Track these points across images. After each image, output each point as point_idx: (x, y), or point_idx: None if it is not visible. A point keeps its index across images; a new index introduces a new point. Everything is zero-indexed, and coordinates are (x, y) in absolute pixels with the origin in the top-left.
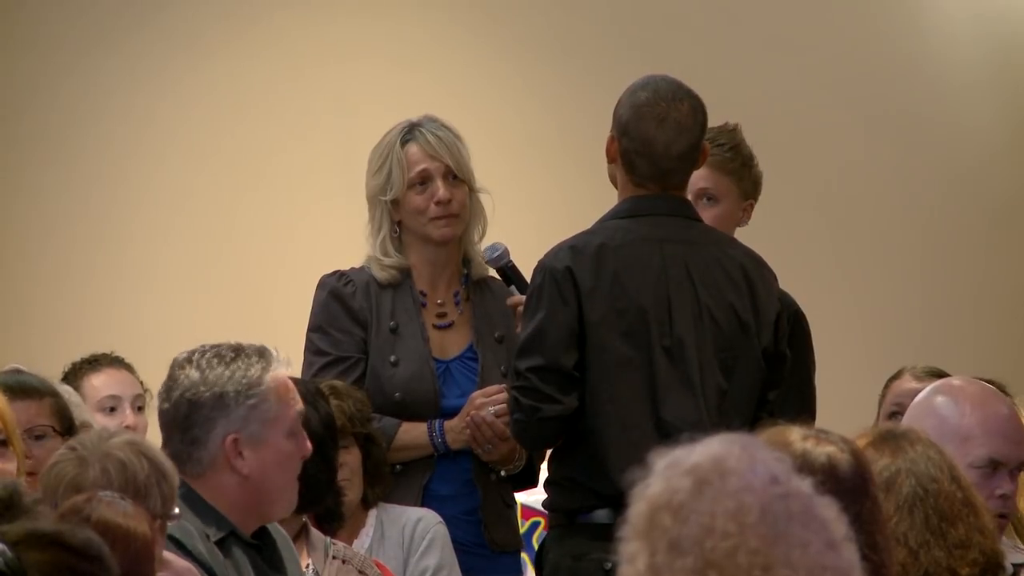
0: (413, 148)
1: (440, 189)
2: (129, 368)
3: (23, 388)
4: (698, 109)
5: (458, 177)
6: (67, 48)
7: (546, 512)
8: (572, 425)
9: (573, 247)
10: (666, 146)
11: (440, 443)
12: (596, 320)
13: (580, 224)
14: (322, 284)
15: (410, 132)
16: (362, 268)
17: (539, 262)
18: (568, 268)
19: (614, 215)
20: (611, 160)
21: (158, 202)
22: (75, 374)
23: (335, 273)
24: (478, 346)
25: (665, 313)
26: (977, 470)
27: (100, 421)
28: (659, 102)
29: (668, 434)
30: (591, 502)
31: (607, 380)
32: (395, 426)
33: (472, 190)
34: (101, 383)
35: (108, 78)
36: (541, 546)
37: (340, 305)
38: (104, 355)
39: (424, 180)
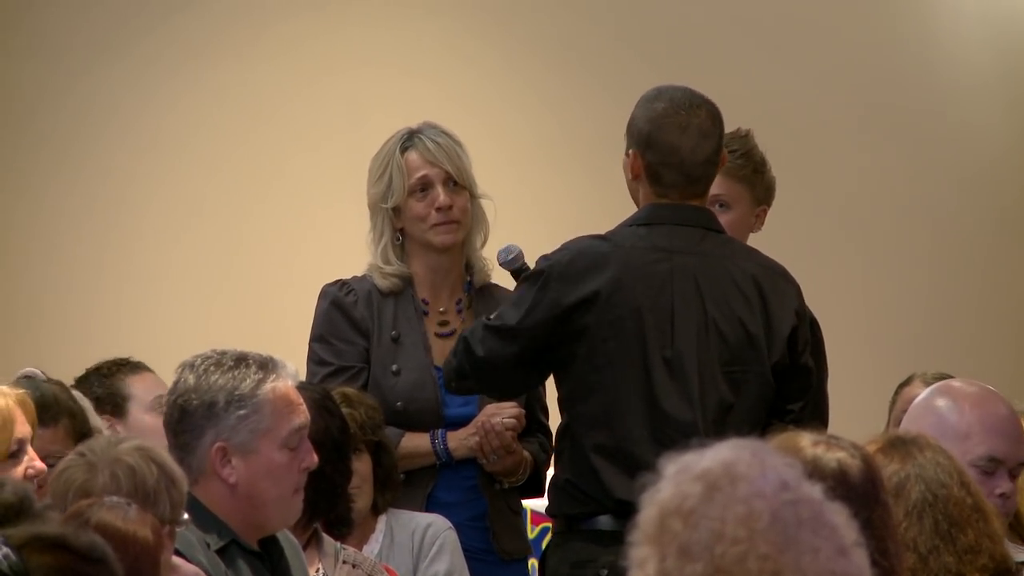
0: (413, 155)
1: (440, 195)
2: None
3: (38, 413)
4: (715, 114)
5: (458, 183)
6: (75, 54)
7: None
8: (572, 431)
9: (581, 252)
10: (692, 152)
11: (442, 451)
12: (594, 327)
13: (588, 229)
14: (323, 294)
15: (409, 139)
16: (364, 277)
17: (546, 256)
18: (567, 275)
19: (632, 222)
20: (635, 176)
21: (167, 208)
22: (114, 375)
23: (336, 282)
24: None
25: (667, 324)
26: (976, 468)
27: (149, 422)
28: (678, 111)
29: (663, 445)
30: (590, 508)
31: (603, 387)
32: (397, 435)
33: (473, 196)
34: (145, 384)
35: (116, 85)
36: (543, 553)
37: (342, 315)
38: (134, 361)
39: (424, 187)
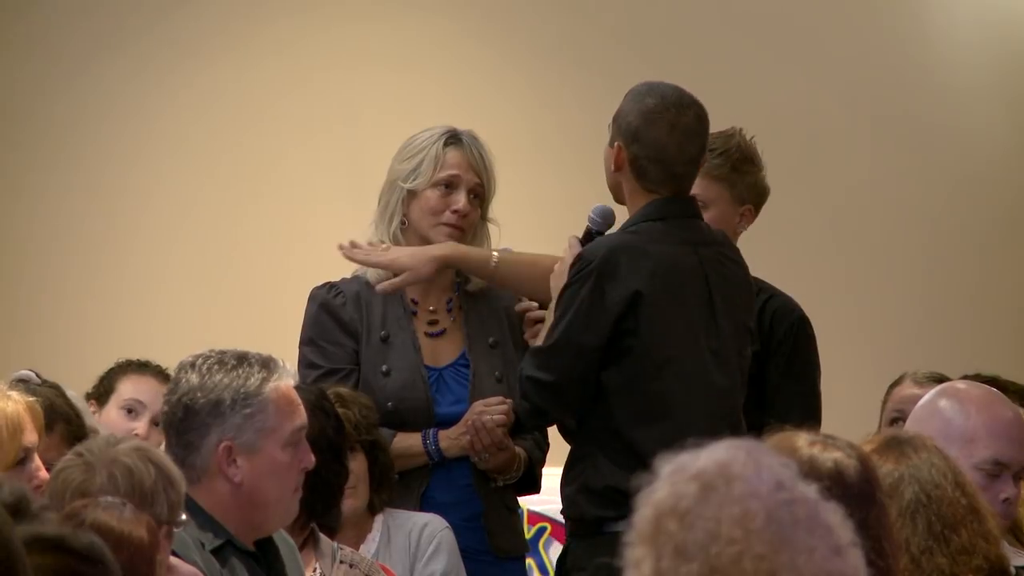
0: (454, 152)
1: (462, 200)
2: None
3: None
4: (703, 116)
5: (478, 196)
6: (71, 53)
7: (551, 518)
8: (615, 432)
9: (624, 248)
10: (679, 151)
11: (434, 451)
12: (647, 322)
13: (584, 229)
14: (312, 297)
15: (455, 138)
16: (354, 277)
17: (583, 258)
18: (618, 274)
19: (644, 217)
20: (618, 168)
21: (162, 208)
22: (121, 369)
23: (325, 285)
24: (470, 353)
25: (711, 315)
26: (981, 472)
27: (114, 418)
28: (668, 108)
29: (720, 437)
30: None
31: (661, 383)
32: (389, 436)
33: (484, 217)
34: (134, 385)
35: (112, 84)
36: (563, 554)
37: (330, 317)
38: (156, 365)
39: (450, 185)
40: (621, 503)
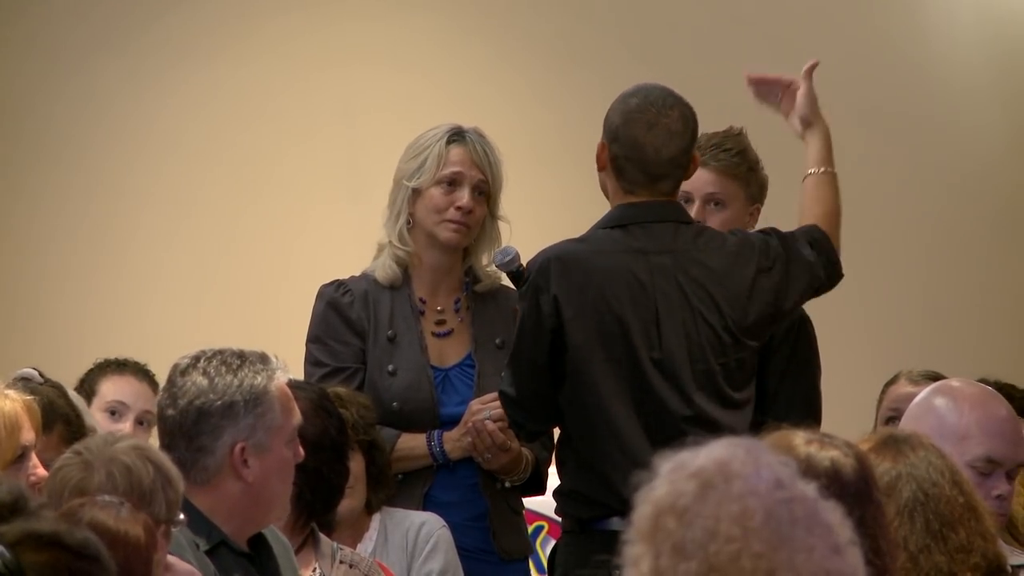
0: (457, 149)
1: (465, 197)
2: (152, 383)
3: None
4: (688, 117)
5: (484, 193)
6: (70, 53)
7: (548, 516)
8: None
9: (559, 258)
10: (656, 151)
11: (439, 453)
12: (582, 338)
13: (581, 229)
14: (320, 294)
15: (459, 135)
16: (361, 276)
17: (528, 270)
18: (549, 287)
19: (604, 224)
20: (601, 167)
21: (160, 207)
22: (101, 370)
23: (333, 283)
24: (476, 354)
25: (653, 326)
26: (974, 470)
27: (98, 421)
28: (649, 108)
29: (662, 445)
30: (600, 512)
31: (598, 396)
32: (394, 437)
33: (493, 216)
34: (115, 386)
35: (110, 83)
36: (553, 552)
37: (338, 315)
38: (135, 363)
39: (453, 182)
40: (586, 504)
